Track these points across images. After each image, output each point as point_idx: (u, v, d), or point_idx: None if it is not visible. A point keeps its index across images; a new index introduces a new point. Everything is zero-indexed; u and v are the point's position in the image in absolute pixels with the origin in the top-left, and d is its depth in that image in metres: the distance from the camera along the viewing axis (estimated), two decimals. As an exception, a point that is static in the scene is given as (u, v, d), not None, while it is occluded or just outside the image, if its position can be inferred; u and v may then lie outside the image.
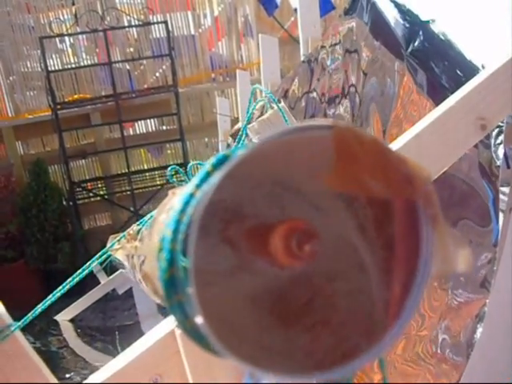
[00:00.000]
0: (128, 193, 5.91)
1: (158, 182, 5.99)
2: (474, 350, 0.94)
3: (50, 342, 4.20)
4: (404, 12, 1.74)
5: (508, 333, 0.95)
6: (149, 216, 0.68)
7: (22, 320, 0.69)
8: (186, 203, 0.32)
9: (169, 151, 6.37)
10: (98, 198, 6.05)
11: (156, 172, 6.10)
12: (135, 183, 5.93)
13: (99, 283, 4.02)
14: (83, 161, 6.16)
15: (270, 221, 0.32)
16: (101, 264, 3.83)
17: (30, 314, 0.73)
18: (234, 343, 0.29)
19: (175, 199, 0.45)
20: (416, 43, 1.57)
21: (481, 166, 1.13)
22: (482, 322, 0.93)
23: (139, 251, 0.64)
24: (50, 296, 0.73)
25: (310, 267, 0.31)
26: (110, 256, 0.89)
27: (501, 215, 1.02)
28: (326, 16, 6.29)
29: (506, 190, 1.04)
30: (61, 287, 0.75)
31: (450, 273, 0.26)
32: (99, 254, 0.76)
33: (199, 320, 0.29)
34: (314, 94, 2.52)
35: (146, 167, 6.29)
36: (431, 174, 0.83)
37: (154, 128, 6.38)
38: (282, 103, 0.66)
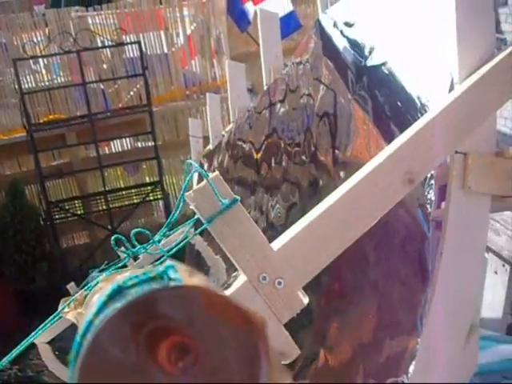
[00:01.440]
0: (105, 211, 5.95)
1: (135, 200, 6.04)
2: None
3: (29, 366, 4.21)
4: (353, 43, 1.82)
5: (438, 371, 1.02)
6: (95, 282, 0.75)
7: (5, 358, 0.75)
8: (87, 329, 0.39)
9: (145, 169, 6.42)
10: (76, 217, 6.08)
11: (132, 190, 6.14)
12: (112, 202, 5.96)
13: (76, 305, 4.04)
14: (59, 180, 6.19)
15: (161, 333, 0.39)
16: (77, 283, 3.86)
17: (5, 359, 0.78)
18: None
19: (95, 299, 0.52)
20: (363, 78, 1.65)
21: (420, 205, 1.21)
22: (413, 361, 1.01)
23: (82, 318, 0.71)
24: (24, 341, 0.79)
25: (187, 376, 0.38)
26: (60, 318, 0.95)
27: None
28: (299, 32, 6.40)
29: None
30: (30, 336, 0.81)
31: None
32: (52, 316, 0.81)
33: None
34: (277, 109, 2.58)
35: (122, 185, 6.34)
36: (359, 231, 0.90)
37: (129, 146, 6.44)
38: (216, 172, 0.73)
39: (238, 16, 6.36)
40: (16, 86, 5.50)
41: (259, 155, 2.65)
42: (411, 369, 1.00)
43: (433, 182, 1.13)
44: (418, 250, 1.13)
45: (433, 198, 1.11)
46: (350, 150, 1.71)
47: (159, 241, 0.95)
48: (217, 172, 0.80)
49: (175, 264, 0.36)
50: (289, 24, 6.07)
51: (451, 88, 1.14)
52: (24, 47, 5.68)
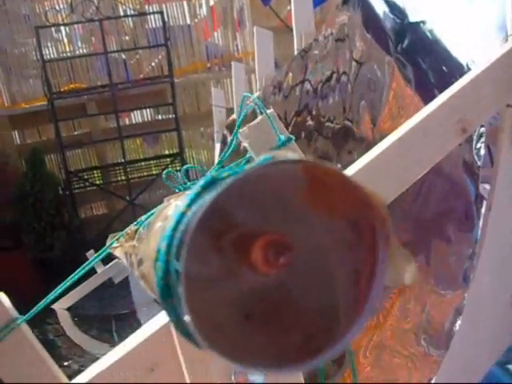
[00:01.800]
0: (124, 182, 5.95)
1: (154, 172, 6.02)
2: (452, 342, 1.00)
3: (47, 331, 4.26)
4: (393, 7, 1.78)
5: (485, 326, 1.00)
6: (145, 216, 0.73)
7: (28, 314, 0.74)
8: (178, 221, 0.37)
9: (164, 141, 6.40)
10: (94, 188, 6.09)
11: (152, 162, 6.13)
12: (131, 173, 5.97)
13: (95, 272, 4.06)
14: (79, 150, 6.19)
15: (253, 233, 0.37)
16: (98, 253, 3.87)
17: (34, 309, 0.77)
18: (217, 341, 0.35)
19: (169, 211, 0.50)
20: (404, 38, 1.61)
21: (465, 163, 1.18)
22: (460, 316, 0.99)
23: (136, 251, 0.69)
24: (54, 292, 0.78)
25: (285, 275, 0.36)
26: (109, 254, 0.94)
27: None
28: (323, 7, 6.32)
29: (486, 186, 1.09)
30: (63, 283, 0.80)
31: (397, 284, 0.30)
32: (100, 251, 0.80)
33: (187, 319, 0.35)
34: (308, 86, 2.55)
35: (141, 157, 6.32)
36: (409, 180, 0.88)
37: (149, 118, 6.41)
38: (271, 109, 0.71)
39: (261, -11, 6.28)
40: (38, 55, 5.49)
41: (289, 129, 2.62)
42: (458, 324, 0.98)
43: (482, 140, 1.10)
44: (465, 206, 1.10)
45: (482, 155, 1.08)
46: (388, 121, 1.68)
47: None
48: (272, 109, 0.77)
49: (274, 154, 0.34)
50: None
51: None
52: (46, 15, 5.66)
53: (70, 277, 0.80)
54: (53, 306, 4.12)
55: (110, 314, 4.72)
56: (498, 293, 1.02)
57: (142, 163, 6.14)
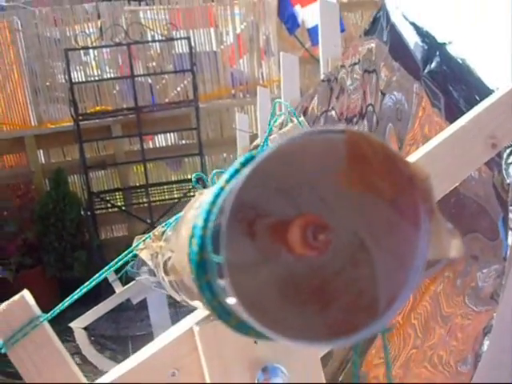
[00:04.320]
0: (145, 205, 5.98)
1: (176, 196, 6.05)
2: (481, 363, 0.97)
3: (65, 347, 4.25)
4: (423, 34, 1.78)
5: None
6: (174, 218, 0.72)
7: (51, 312, 0.74)
8: (217, 195, 0.36)
9: (187, 165, 6.44)
10: (116, 209, 6.12)
11: (174, 185, 6.16)
12: (153, 195, 6.00)
13: (114, 292, 4.06)
14: (102, 172, 6.24)
15: (288, 215, 0.36)
16: (117, 273, 3.88)
17: (57, 307, 0.77)
18: (259, 319, 0.34)
19: (203, 197, 0.50)
20: (433, 65, 1.61)
21: (494, 187, 1.17)
22: (489, 334, 0.96)
23: (164, 250, 0.69)
24: (78, 290, 0.78)
25: (323, 256, 0.35)
26: (134, 256, 0.93)
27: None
28: (344, 36, 6.37)
29: (516, 208, 1.08)
30: (87, 283, 0.80)
31: (443, 258, 0.29)
32: (125, 252, 0.80)
33: (231, 301, 0.34)
34: (333, 113, 2.56)
35: (164, 180, 6.36)
36: (443, 189, 0.87)
37: (173, 142, 6.46)
38: (302, 117, 0.70)
39: (287, 18, 6.36)
40: (66, 77, 5.58)
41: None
42: (486, 344, 0.96)
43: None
44: (492, 223, 1.08)
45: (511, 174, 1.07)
46: (416, 147, 1.66)
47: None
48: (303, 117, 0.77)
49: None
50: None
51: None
52: (76, 38, 5.76)
53: (96, 276, 0.80)
54: (70, 325, 4.12)
55: (126, 336, 4.70)
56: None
57: (164, 187, 6.17)
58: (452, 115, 1.48)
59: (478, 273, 1.05)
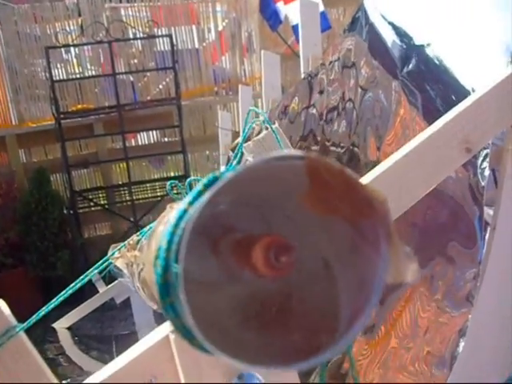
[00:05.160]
0: (128, 203, 5.96)
1: (159, 194, 6.03)
2: (456, 363, 0.99)
3: (47, 349, 4.23)
4: (401, 34, 1.79)
5: (489, 347, 0.99)
6: (148, 227, 0.72)
7: (26, 322, 0.73)
8: (180, 218, 0.37)
9: (170, 163, 6.42)
10: (99, 208, 6.10)
11: (157, 183, 6.15)
12: (136, 194, 5.98)
13: (97, 292, 4.05)
14: (85, 170, 6.21)
15: (253, 235, 0.36)
16: (100, 273, 3.86)
17: (33, 317, 0.77)
18: (218, 340, 0.34)
19: (172, 213, 0.50)
20: (411, 65, 1.62)
21: (470, 187, 1.18)
22: (464, 337, 0.98)
23: (138, 260, 0.69)
24: (54, 300, 0.77)
25: (285, 276, 0.36)
26: (110, 264, 0.93)
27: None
28: (328, 33, 6.38)
29: (490, 211, 1.09)
30: (64, 292, 0.80)
31: (400, 282, 0.29)
32: (101, 261, 0.80)
33: (189, 321, 0.34)
34: (313, 110, 2.57)
35: (146, 178, 6.34)
36: (413, 198, 0.88)
37: (155, 139, 6.44)
38: (276, 124, 0.71)
39: (269, 15, 6.35)
40: (47, 75, 5.54)
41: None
42: (461, 346, 0.97)
43: (487, 161, 1.11)
44: (468, 226, 1.09)
45: (486, 175, 1.08)
46: (393, 145, 1.68)
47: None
48: (277, 124, 0.77)
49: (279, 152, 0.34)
50: (322, 23, 6.05)
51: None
52: (57, 36, 5.72)
53: (71, 285, 0.80)
54: (53, 325, 4.10)
55: (110, 335, 4.69)
56: (502, 314, 1.01)
57: (147, 185, 6.15)
58: (429, 114, 1.50)
59: (454, 275, 1.07)
